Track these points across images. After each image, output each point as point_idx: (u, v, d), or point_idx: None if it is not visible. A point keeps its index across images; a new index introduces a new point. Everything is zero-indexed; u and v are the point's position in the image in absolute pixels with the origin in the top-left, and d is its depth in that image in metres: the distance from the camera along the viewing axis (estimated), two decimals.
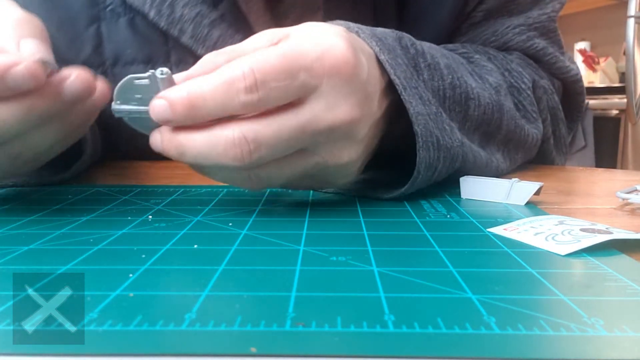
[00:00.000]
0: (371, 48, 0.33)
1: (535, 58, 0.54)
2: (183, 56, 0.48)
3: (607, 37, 2.93)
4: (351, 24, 0.35)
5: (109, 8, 0.48)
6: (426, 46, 0.39)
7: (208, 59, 0.30)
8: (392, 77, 0.33)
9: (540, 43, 0.54)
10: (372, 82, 0.32)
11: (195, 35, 0.46)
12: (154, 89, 0.29)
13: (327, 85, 0.29)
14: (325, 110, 0.29)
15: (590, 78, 2.90)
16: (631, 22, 1.85)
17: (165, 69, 0.29)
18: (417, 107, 0.33)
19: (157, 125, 0.29)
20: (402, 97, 0.32)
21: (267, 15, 0.49)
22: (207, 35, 0.46)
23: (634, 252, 0.25)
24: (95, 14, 0.48)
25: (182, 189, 0.39)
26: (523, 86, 0.48)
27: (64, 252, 0.25)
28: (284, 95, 0.28)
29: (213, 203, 0.35)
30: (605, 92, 2.46)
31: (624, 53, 2.02)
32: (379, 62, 0.33)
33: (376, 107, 0.32)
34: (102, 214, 0.32)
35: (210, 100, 0.27)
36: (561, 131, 0.56)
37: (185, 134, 0.28)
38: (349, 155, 0.31)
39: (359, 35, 0.34)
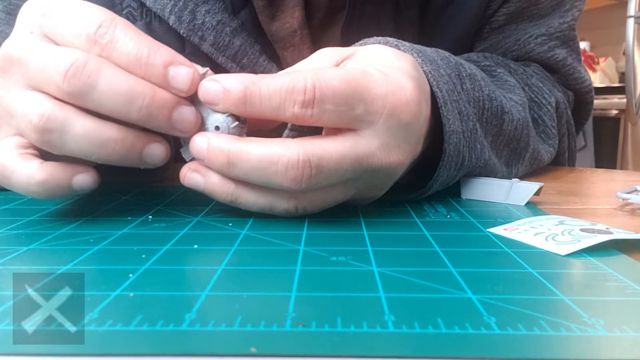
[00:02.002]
0: (414, 58, 0.33)
1: (554, 69, 0.55)
2: (200, 63, 0.47)
3: (607, 37, 2.92)
4: (390, 39, 0.35)
5: (125, 11, 0.46)
6: (461, 58, 0.39)
7: None
8: (435, 89, 0.32)
9: (560, 53, 0.54)
10: (424, 124, 0.31)
11: (217, 44, 0.44)
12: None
13: (384, 126, 0.28)
14: (380, 149, 0.29)
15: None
16: (631, 22, 1.85)
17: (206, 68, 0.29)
18: (454, 124, 0.33)
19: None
20: (440, 111, 0.32)
21: None
22: (229, 43, 0.44)
23: (634, 252, 0.25)
24: None
25: (182, 189, 0.39)
26: (544, 101, 0.49)
27: (64, 252, 0.25)
28: (336, 120, 0.28)
29: (213, 203, 0.35)
30: (605, 92, 2.46)
31: (624, 53, 2.01)
32: (433, 98, 0.33)
33: (421, 146, 0.32)
34: (102, 214, 0.32)
35: (265, 101, 0.27)
36: (571, 145, 0.57)
37: (241, 144, 0.28)
38: (382, 191, 0.32)
39: (398, 49, 0.34)
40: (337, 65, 0.32)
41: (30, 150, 0.29)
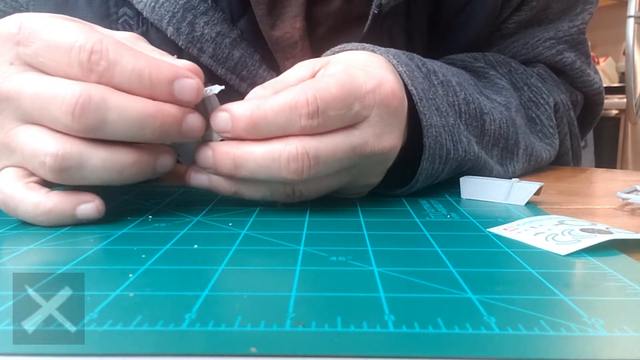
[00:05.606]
0: (389, 62, 0.34)
1: (563, 72, 0.55)
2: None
3: (607, 37, 2.92)
4: (367, 45, 0.36)
5: (121, 20, 0.45)
6: (437, 65, 0.39)
7: (257, 94, 0.32)
8: (410, 87, 0.34)
9: (569, 57, 0.54)
10: (405, 113, 0.33)
11: (216, 55, 0.44)
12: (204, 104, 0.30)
13: (376, 116, 0.31)
14: (374, 137, 0.31)
15: None
16: (631, 22, 1.84)
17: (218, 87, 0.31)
18: (432, 118, 0.34)
19: (195, 147, 0.31)
20: (417, 107, 0.33)
21: None
22: (228, 55, 0.44)
23: (634, 252, 0.25)
24: (107, 26, 0.45)
25: (182, 189, 0.39)
26: (542, 101, 0.49)
27: (64, 252, 0.25)
28: (339, 123, 0.30)
29: (213, 203, 0.35)
30: (605, 92, 2.46)
31: (624, 53, 2.01)
32: (406, 89, 0.34)
33: (405, 133, 0.34)
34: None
35: (272, 121, 0.29)
36: (574, 145, 0.57)
37: (244, 146, 0.29)
38: (377, 178, 0.34)
39: (374, 52, 0.35)
40: (315, 74, 0.33)
41: (33, 178, 0.29)
